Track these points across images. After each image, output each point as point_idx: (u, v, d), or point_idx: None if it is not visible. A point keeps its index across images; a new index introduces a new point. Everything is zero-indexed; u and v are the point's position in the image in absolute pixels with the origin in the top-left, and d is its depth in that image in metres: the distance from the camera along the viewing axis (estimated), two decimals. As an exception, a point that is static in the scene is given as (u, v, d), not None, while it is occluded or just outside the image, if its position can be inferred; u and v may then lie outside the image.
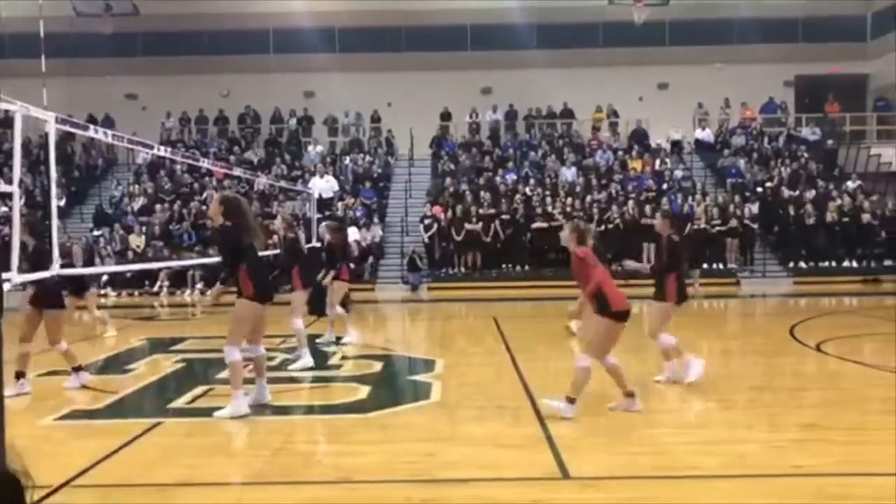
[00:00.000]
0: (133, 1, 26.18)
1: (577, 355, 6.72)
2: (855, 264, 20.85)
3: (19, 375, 7.59)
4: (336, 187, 22.56)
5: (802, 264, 20.97)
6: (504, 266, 21.04)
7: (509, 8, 26.59)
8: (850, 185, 22.67)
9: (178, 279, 20.05)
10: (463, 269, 21.06)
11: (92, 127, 6.42)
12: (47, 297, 7.63)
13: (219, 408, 6.72)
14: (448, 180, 23.24)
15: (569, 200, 21.51)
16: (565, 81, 26.19)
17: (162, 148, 9.20)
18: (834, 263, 20.90)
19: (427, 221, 21.37)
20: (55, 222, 5.97)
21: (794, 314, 14.42)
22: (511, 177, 23.48)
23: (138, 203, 23.08)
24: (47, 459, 5.37)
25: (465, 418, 6.61)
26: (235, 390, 6.67)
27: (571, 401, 6.42)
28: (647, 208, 20.80)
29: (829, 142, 25.89)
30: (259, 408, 6.86)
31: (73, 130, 6.11)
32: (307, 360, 8.97)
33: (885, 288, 19.16)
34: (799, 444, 5.69)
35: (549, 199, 21.56)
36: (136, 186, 23.88)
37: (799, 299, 17.14)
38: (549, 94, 26.63)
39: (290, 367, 8.90)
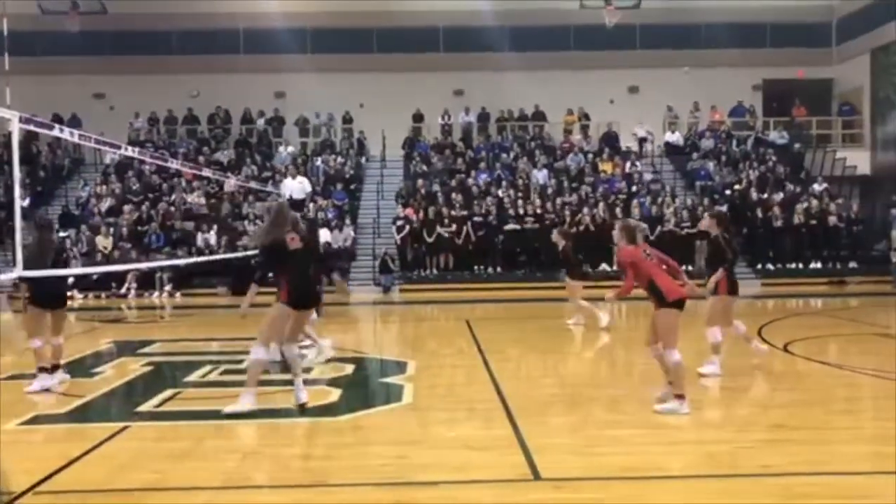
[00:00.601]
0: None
1: (665, 353, 6.73)
2: (821, 266, 21.19)
3: (55, 368, 8.01)
4: (308, 188, 22.44)
5: (770, 266, 21.26)
6: (476, 268, 21.07)
7: (482, 10, 26.65)
8: (817, 188, 23.05)
9: (147, 281, 19.80)
10: (435, 271, 21.05)
11: (58, 126, 6.31)
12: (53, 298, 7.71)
13: (191, 412, 6.65)
14: (420, 182, 23.23)
15: (539, 202, 21.61)
16: (537, 84, 26.32)
17: (130, 148, 9.09)
18: (801, 265, 21.22)
19: (399, 223, 21.33)
20: (18, 223, 5.86)
21: (762, 315, 14.60)
22: (483, 178, 23.54)
23: (106, 204, 22.76)
24: (11, 465, 5.26)
25: (436, 420, 6.60)
26: (248, 387, 6.82)
27: (681, 397, 6.64)
28: (618, 210, 21.00)
29: (796, 145, 26.29)
30: (297, 408, 6.92)
31: (38, 130, 6.01)
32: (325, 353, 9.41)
33: (851, 289, 19.50)
34: (767, 444, 5.76)
35: (520, 202, 21.63)
36: (104, 187, 23.55)
37: (767, 301, 17.36)
38: (520, 97, 26.74)
39: (308, 360, 9.07)
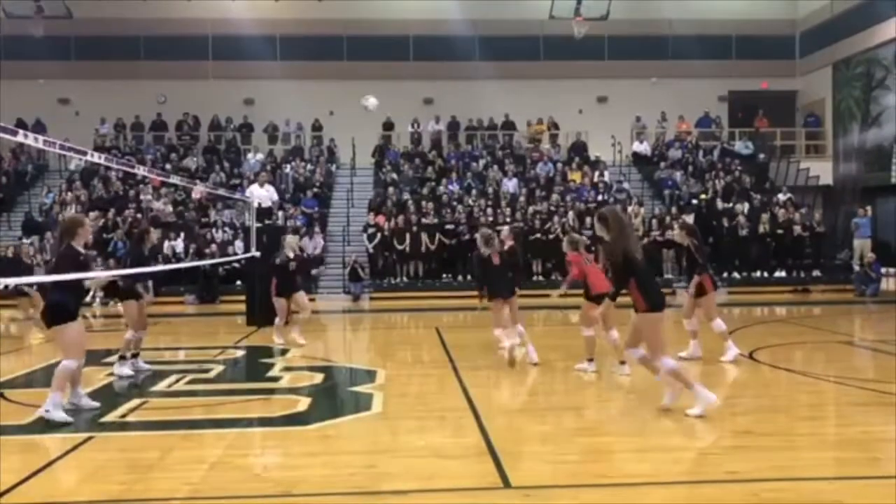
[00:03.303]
0: (66, 3, 25.48)
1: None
2: (785, 274, 21.52)
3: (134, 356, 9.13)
4: (275, 197, 22.29)
5: (736, 274, 21.55)
6: (446, 276, 21.08)
7: (452, 19, 26.76)
8: (781, 197, 23.43)
9: (112, 289, 19.49)
10: (405, 279, 21.02)
11: (21, 132, 6.19)
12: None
13: (157, 422, 6.52)
14: (391, 190, 23.20)
15: (509, 211, 21.70)
16: (506, 93, 26.50)
17: (96, 154, 8.94)
18: (766, 274, 21.54)
19: (370, 230, 21.28)
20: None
21: (728, 323, 14.71)
22: (454, 187, 23.58)
23: (70, 211, 22.40)
24: (-29, 477, 5.14)
25: (406, 429, 6.58)
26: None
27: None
28: (587, 219, 21.16)
29: (761, 156, 26.73)
30: None
31: (2, 136, 5.89)
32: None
33: (814, 297, 19.81)
34: (733, 450, 5.83)
35: (490, 210, 21.70)
36: (69, 194, 23.19)
37: (732, 308, 17.56)
38: (490, 106, 26.90)
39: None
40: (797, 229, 21.73)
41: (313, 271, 19.97)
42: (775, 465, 5.43)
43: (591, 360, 8.93)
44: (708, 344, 10.01)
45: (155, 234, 7.31)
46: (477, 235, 9.36)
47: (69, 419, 6.78)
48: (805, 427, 6.58)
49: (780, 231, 21.76)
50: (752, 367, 9.57)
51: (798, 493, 4.87)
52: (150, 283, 9.61)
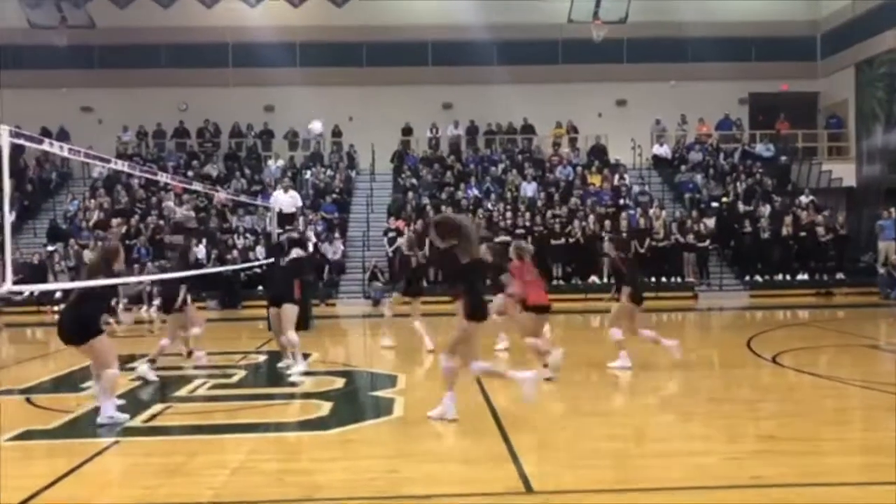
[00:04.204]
0: (89, 13, 25.81)
1: (528, 342, 7.36)
2: (808, 277, 21.30)
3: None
4: (299, 202, 22.42)
5: (758, 278, 21.36)
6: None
7: (470, 25, 26.78)
8: (804, 200, 23.20)
9: (135, 295, 19.68)
10: (426, 284, 20.99)
11: (47, 140, 6.29)
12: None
13: (181, 426, 6.60)
14: (410, 195, 23.25)
15: (528, 215, 21.66)
16: (525, 97, 26.46)
17: (118, 162, 9.05)
18: (788, 277, 21.33)
19: (391, 234, 21.33)
20: (8, 238, 5.82)
21: (751, 327, 14.66)
22: (473, 192, 23.58)
23: (94, 218, 22.66)
24: (-2, 482, 5.21)
25: (427, 434, 6.58)
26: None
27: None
28: (607, 222, 21.12)
29: (783, 158, 26.50)
30: None
31: (28, 144, 5.99)
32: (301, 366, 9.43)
33: (838, 300, 19.61)
34: (757, 455, 5.78)
35: (510, 215, 21.68)
36: (92, 201, 23.45)
37: (755, 312, 17.45)
38: (509, 110, 26.87)
39: (289, 372, 9.34)
40: (820, 232, 21.51)
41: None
42: (801, 470, 5.38)
43: (545, 365, 8.82)
44: (702, 351, 9.93)
45: (121, 256, 7.38)
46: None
47: (127, 416, 7.08)
48: (830, 432, 6.52)
49: (802, 234, 21.55)
50: (775, 372, 9.49)
51: (823, 498, 4.82)
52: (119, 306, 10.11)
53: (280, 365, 9.93)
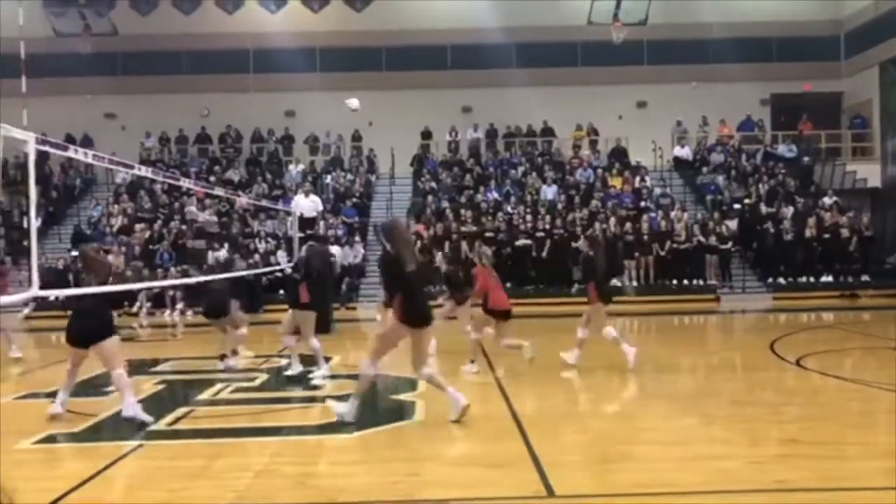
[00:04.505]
0: (112, 21, 26.13)
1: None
2: (832, 279, 21.07)
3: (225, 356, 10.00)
4: (320, 207, 22.54)
5: (781, 280, 21.17)
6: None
7: (488, 28, 26.80)
8: (827, 201, 22.97)
9: (158, 300, 19.88)
10: (445, 287, 21.01)
11: (72, 147, 6.38)
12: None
13: (203, 430, 6.67)
14: (429, 198, 23.28)
15: (549, 218, 21.61)
16: (545, 100, 26.41)
17: (142, 168, 9.16)
18: (812, 279, 21.12)
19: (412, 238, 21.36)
20: (35, 243, 5.91)
21: (774, 329, 14.54)
22: (492, 195, 23.57)
23: (117, 223, 22.91)
24: (25, 484, 5.28)
25: (449, 438, 6.59)
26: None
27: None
28: (628, 225, 21.04)
29: (805, 159, 26.25)
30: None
31: (53, 151, 6.08)
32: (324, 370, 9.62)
33: (863, 302, 19.39)
34: (781, 459, 5.73)
35: (530, 217, 21.64)
36: (116, 206, 23.71)
37: (778, 314, 17.28)
38: (528, 113, 26.84)
39: (312, 376, 9.47)
40: (844, 233, 21.28)
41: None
42: (824, 474, 5.33)
43: (472, 361, 9.68)
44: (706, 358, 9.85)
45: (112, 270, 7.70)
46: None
47: (151, 418, 7.19)
48: (855, 436, 6.45)
49: (826, 235, 21.33)
50: (799, 374, 9.41)
51: (848, 503, 4.77)
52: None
53: (283, 366, 10.21)
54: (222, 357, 10.25)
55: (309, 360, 9.95)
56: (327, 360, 10.53)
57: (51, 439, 6.81)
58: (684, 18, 26.91)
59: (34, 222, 5.93)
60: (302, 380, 9.52)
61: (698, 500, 4.91)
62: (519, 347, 9.55)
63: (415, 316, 6.97)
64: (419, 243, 20.04)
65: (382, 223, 7.76)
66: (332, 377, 9.57)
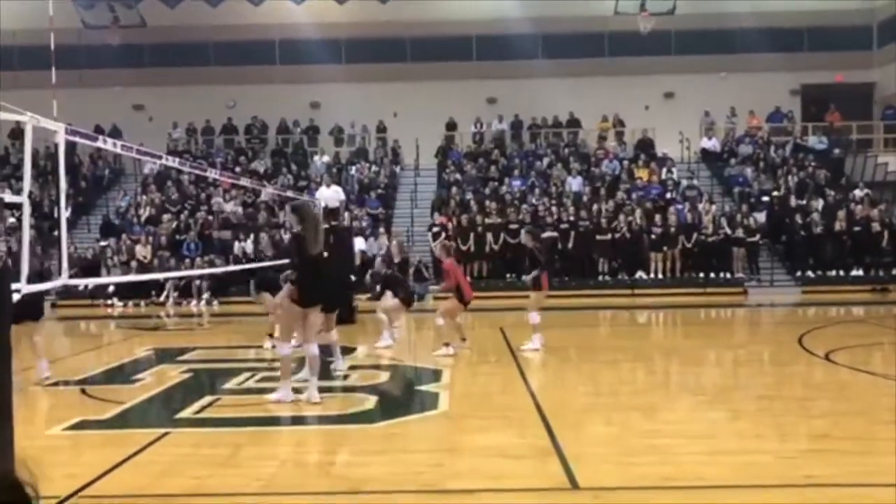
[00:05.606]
0: (140, 13, 26.34)
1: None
2: (863, 273, 20.75)
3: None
4: (342, 197, 22.56)
5: (810, 273, 20.88)
6: (510, 276, 20.98)
7: (514, 18, 26.66)
8: (858, 193, 22.60)
9: (185, 289, 20.07)
10: (469, 279, 21.00)
11: (102, 137, 6.44)
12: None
13: (229, 418, 6.71)
14: (454, 190, 23.25)
15: (573, 210, 21.48)
16: (570, 91, 26.24)
17: (169, 158, 9.23)
18: (842, 272, 20.81)
19: (435, 229, 21.37)
20: (64, 233, 5.97)
21: (803, 323, 14.36)
22: (517, 186, 23.48)
23: (145, 213, 23.14)
24: (55, 470, 5.35)
25: (472, 428, 6.58)
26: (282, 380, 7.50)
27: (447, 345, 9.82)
28: (656, 217, 20.86)
29: (836, 151, 25.84)
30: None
31: (83, 141, 6.13)
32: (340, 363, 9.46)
33: (894, 297, 19.07)
34: (810, 454, 5.65)
35: (555, 209, 21.53)
36: (143, 197, 23.95)
37: (807, 308, 17.06)
38: (554, 104, 26.67)
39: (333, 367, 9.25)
40: (875, 226, 20.93)
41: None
42: (854, 469, 5.25)
43: (447, 344, 10.08)
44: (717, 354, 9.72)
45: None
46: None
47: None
48: (886, 431, 6.33)
49: (856, 228, 21.00)
50: (828, 369, 9.28)
51: (879, 499, 4.70)
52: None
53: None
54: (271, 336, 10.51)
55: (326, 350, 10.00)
56: (352, 350, 10.59)
57: (81, 426, 6.90)
58: (713, 8, 26.60)
59: (63, 212, 5.98)
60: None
61: (727, 494, 4.85)
62: (462, 340, 10.42)
63: (307, 298, 7.29)
64: (443, 234, 20.04)
65: (294, 203, 8.01)
66: (355, 368, 9.58)
